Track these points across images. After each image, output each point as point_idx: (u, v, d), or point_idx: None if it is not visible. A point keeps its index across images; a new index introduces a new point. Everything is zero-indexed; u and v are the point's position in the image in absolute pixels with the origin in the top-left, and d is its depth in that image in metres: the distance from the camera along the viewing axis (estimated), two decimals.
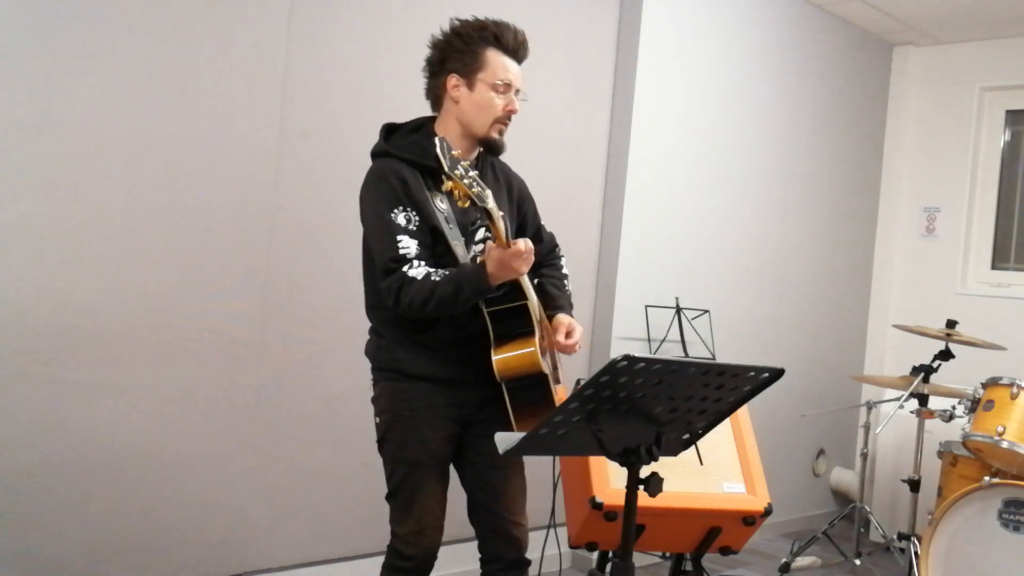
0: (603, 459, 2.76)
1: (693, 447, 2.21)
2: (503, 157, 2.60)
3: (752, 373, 1.99)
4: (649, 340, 4.34)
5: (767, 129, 5.04)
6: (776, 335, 5.17)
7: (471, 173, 2.11)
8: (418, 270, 2.28)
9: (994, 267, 5.56)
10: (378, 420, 2.47)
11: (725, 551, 3.24)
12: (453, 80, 2.42)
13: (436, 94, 2.47)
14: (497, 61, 2.40)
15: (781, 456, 5.12)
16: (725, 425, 3.10)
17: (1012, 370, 3.98)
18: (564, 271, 2.74)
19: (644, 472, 2.04)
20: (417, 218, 2.34)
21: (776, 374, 2.00)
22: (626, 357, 1.79)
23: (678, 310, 4.36)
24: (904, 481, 4.32)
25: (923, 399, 4.22)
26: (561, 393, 2.48)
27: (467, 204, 2.13)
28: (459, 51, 2.41)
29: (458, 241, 2.36)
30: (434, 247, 2.36)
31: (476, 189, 2.11)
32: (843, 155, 5.53)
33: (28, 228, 2.83)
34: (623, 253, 4.36)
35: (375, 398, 2.49)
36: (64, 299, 2.90)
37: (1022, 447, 3.62)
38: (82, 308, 2.93)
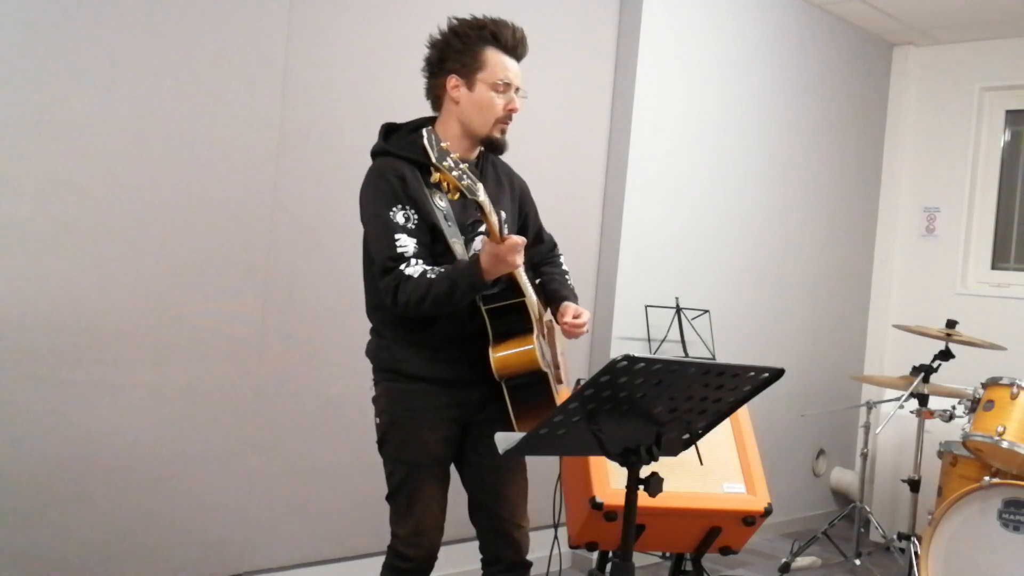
0: (603, 459, 2.76)
1: (693, 447, 2.20)
2: (504, 156, 2.60)
3: (752, 373, 1.99)
4: (649, 340, 4.34)
5: (767, 129, 5.04)
6: (776, 335, 5.17)
7: (461, 165, 2.11)
8: (415, 268, 2.28)
9: (994, 267, 5.55)
10: (378, 420, 2.47)
11: (725, 551, 3.24)
12: (453, 81, 2.41)
13: (436, 94, 2.47)
14: (496, 60, 2.40)
15: (781, 456, 5.12)
16: (725, 425, 3.10)
17: (1012, 370, 3.99)
18: (564, 267, 2.75)
19: (644, 472, 2.04)
20: (416, 216, 2.34)
21: (776, 374, 2.00)
22: (626, 357, 1.79)
23: (678, 310, 4.36)
24: (904, 481, 4.32)
25: (923, 399, 4.22)
26: (564, 394, 2.48)
27: (457, 196, 2.12)
28: (458, 51, 2.40)
29: (457, 239, 2.36)
30: (433, 245, 2.36)
31: (466, 181, 2.10)
32: (843, 155, 5.53)
33: (28, 228, 2.83)
34: (623, 253, 4.36)
35: (375, 398, 2.49)
36: (64, 299, 2.90)
37: (1022, 447, 3.62)
38: (82, 308, 2.93)
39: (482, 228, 2.39)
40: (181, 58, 3.09)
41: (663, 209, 4.52)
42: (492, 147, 2.48)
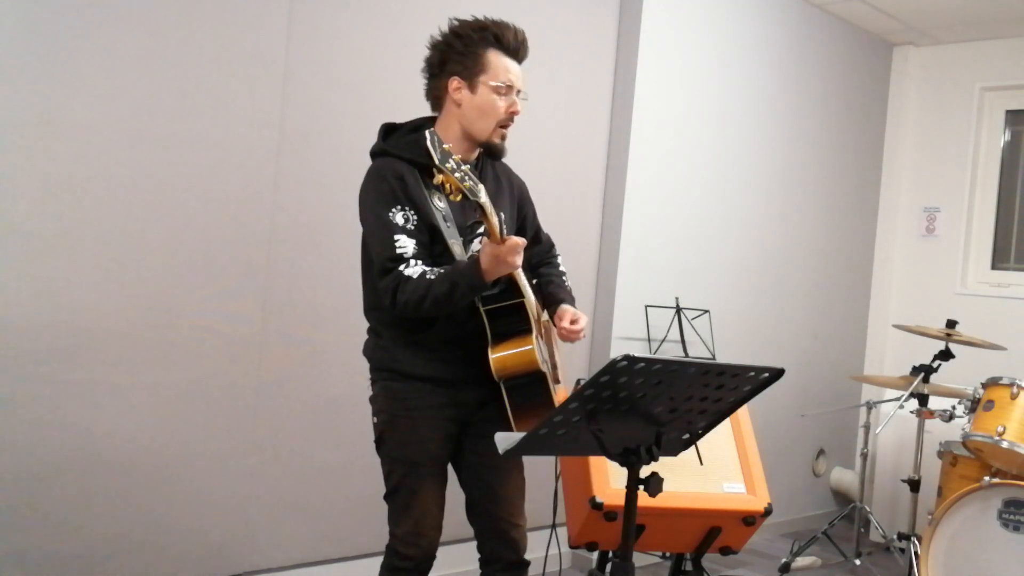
0: (603, 459, 2.76)
1: (693, 447, 2.20)
2: (504, 156, 2.60)
3: (752, 373, 1.99)
4: (649, 340, 4.34)
5: (767, 129, 5.04)
6: (776, 335, 5.17)
7: (463, 167, 2.10)
8: (414, 269, 2.28)
9: (994, 267, 5.55)
10: (376, 420, 2.47)
11: (725, 551, 3.24)
12: (455, 83, 2.41)
13: (436, 96, 2.46)
14: (498, 62, 2.39)
15: (781, 456, 5.12)
16: (725, 425, 3.10)
17: (1012, 370, 3.98)
18: (562, 268, 2.75)
19: (644, 472, 2.04)
20: (415, 217, 2.33)
21: (776, 374, 2.00)
22: (626, 357, 1.79)
23: (678, 310, 4.36)
24: (904, 481, 4.32)
25: (923, 399, 4.22)
26: (562, 394, 2.48)
27: (459, 198, 2.12)
28: (460, 53, 2.39)
29: (455, 240, 2.36)
30: (432, 246, 2.36)
31: (468, 183, 2.10)
32: (843, 155, 5.53)
33: (28, 228, 2.83)
34: (623, 253, 4.36)
35: (373, 398, 2.49)
36: (64, 299, 2.90)
37: (1022, 447, 3.62)
38: (82, 308, 2.93)
39: (481, 229, 2.39)
40: (181, 58, 3.09)
41: (663, 209, 4.52)
42: (491, 152, 2.48)
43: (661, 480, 2.02)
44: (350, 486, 3.57)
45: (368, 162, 2.47)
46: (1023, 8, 5.00)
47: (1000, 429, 3.66)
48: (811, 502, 5.53)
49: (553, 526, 3.08)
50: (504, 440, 2.00)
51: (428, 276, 2.26)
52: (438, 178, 2.10)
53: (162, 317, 3.09)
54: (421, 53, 2.50)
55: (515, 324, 2.34)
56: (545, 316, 2.61)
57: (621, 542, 2.06)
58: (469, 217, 2.42)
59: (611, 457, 2.02)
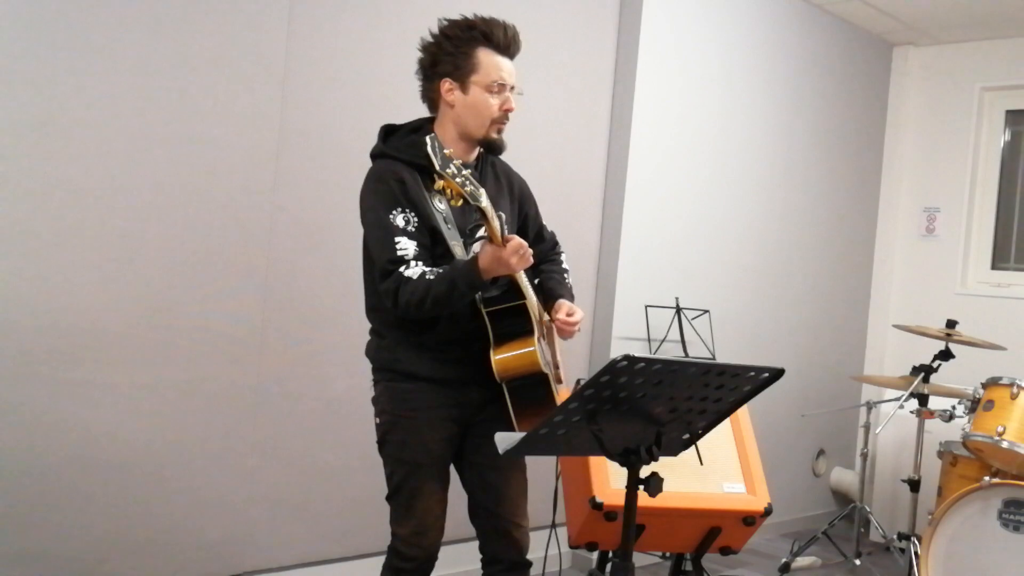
0: (603, 459, 2.76)
1: (693, 447, 2.20)
2: (504, 155, 2.60)
3: (752, 373, 1.99)
4: (649, 340, 4.34)
5: (767, 129, 5.04)
6: (776, 335, 5.17)
7: (464, 171, 2.11)
8: (414, 270, 2.28)
9: (994, 267, 5.56)
10: (378, 421, 2.47)
11: (725, 551, 3.24)
12: (447, 84, 2.40)
13: (431, 98, 2.46)
14: (489, 61, 2.39)
15: (781, 456, 5.12)
16: (725, 425, 3.10)
17: (1012, 370, 3.98)
18: (564, 266, 2.74)
19: (644, 472, 2.04)
20: (416, 219, 2.33)
21: (776, 374, 2.00)
22: (626, 357, 1.79)
23: (678, 310, 4.36)
24: (904, 481, 4.32)
25: (923, 399, 4.23)
26: (564, 394, 2.48)
27: (460, 203, 2.12)
28: (450, 54, 2.39)
29: (456, 242, 2.36)
30: (433, 248, 2.36)
31: (469, 188, 2.10)
32: (843, 155, 5.53)
33: (28, 228, 2.83)
34: (623, 253, 4.36)
35: (375, 399, 2.49)
36: (64, 299, 2.90)
37: (1022, 447, 3.62)
38: (82, 308, 2.93)
39: (482, 231, 2.39)
40: (181, 58, 3.09)
41: (663, 209, 4.52)
42: (490, 148, 2.47)
43: (661, 480, 2.02)
44: (350, 486, 3.57)
45: (368, 163, 2.47)
46: (1023, 8, 5.00)
47: (1000, 429, 3.66)
48: (811, 502, 5.53)
49: (553, 526, 3.08)
50: (504, 440, 2.00)
51: (428, 276, 2.26)
52: (439, 183, 2.10)
53: (162, 317, 3.09)
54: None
55: (517, 325, 2.34)
56: (547, 316, 2.61)
57: (621, 542, 2.06)
58: (470, 219, 2.42)
59: (611, 457, 2.02)
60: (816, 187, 5.37)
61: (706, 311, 4.51)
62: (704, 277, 4.72)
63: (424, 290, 2.25)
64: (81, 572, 2.97)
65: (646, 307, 4.38)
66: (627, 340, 4.36)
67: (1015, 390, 3.72)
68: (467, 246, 2.40)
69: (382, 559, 2.50)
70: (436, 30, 2.42)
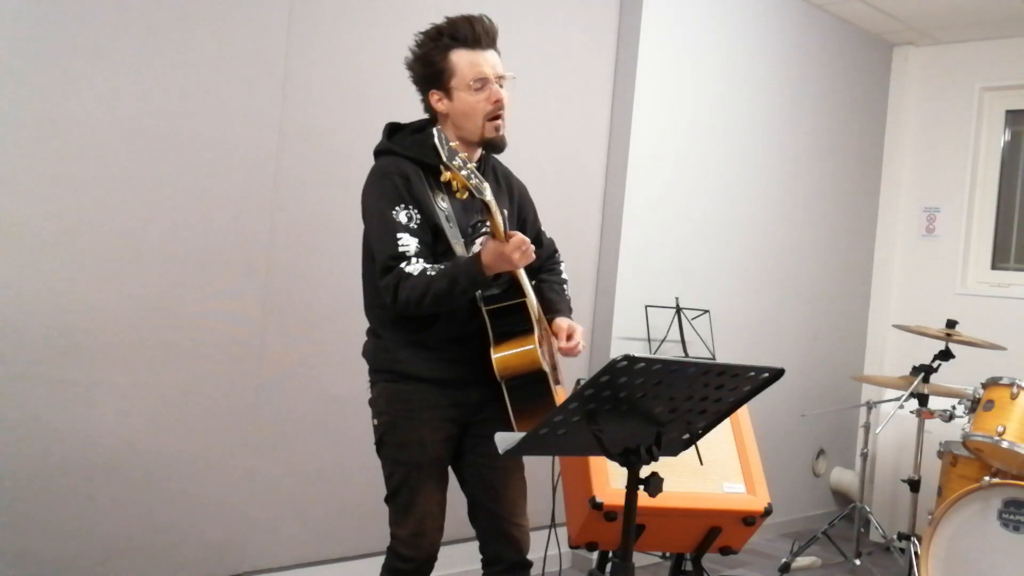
0: (603, 459, 2.76)
1: (693, 447, 2.20)
2: (504, 156, 2.60)
3: (752, 373, 1.99)
4: (649, 340, 4.34)
5: (767, 129, 5.04)
6: (776, 335, 5.17)
7: (469, 165, 2.11)
8: (415, 266, 2.27)
9: (994, 267, 5.56)
10: (376, 422, 2.47)
11: (725, 551, 3.23)
12: (435, 96, 2.41)
13: (429, 110, 2.48)
14: (463, 61, 2.37)
15: (781, 456, 5.12)
16: (725, 425, 3.10)
17: (1012, 370, 3.99)
18: (563, 276, 2.73)
19: (644, 472, 2.03)
20: (419, 216, 2.33)
21: (776, 374, 2.00)
22: (626, 357, 1.79)
23: (678, 310, 4.36)
24: (904, 481, 4.32)
25: (923, 399, 4.23)
26: (561, 394, 2.48)
27: (465, 195, 2.12)
28: (426, 66, 2.40)
29: (458, 240, 2.36)
30: (435, 246, 2.36)
31: (474, 181, 2.10)
32: (843, 155, 5.53)
33: (28, 228, 2.83)
34: (623, 253, 4.36)
35: (373, 400, 2.49)
36: (64, 299, 2.90)
37: (1022, 447, 3.62)
38: (82, 308, 2.93)
39: (484, 230, 2.39)
40: (181, 58, 3.09)
41: (663, 209, 4.52)
42: (491, 147, 2.47)
43: (661, 480, 2.02)
44: (350, 486, 3.57)
45: (370, 161, 2.47)
46: (1023, 8, 5.00)
47: (1000, 429, 3.65)
48: (811, 502, 5.53)
49: (553, 526, 3.08)
50: (504, 440, 2.00)
51: (428, 273, 2.26)
52: (445, 175, 2.10)
53: (162, 317, 3.09)
54: None
55: (517, 324, 2.34)
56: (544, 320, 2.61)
57: (621, 542, 2.06)
58: (472, 217, 2.42)
59: (611, 457, 2.02)
60: (816, 187, 5.37)
61: (706, 311, 4.51)
62: (704, 277, 4.72)
63: (424, 286, 2.24)
64: (81, 572, 2.97)
65: (646, 307, 4.38)
66: (627, 340, 4.36)
67: (1015, 390, 3.72)
68: (468, 245, 2.39)
69: (382, 559, 2.50)
70: (412, 46, 2.43)
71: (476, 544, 2.55)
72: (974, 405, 3.90)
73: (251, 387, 3.33)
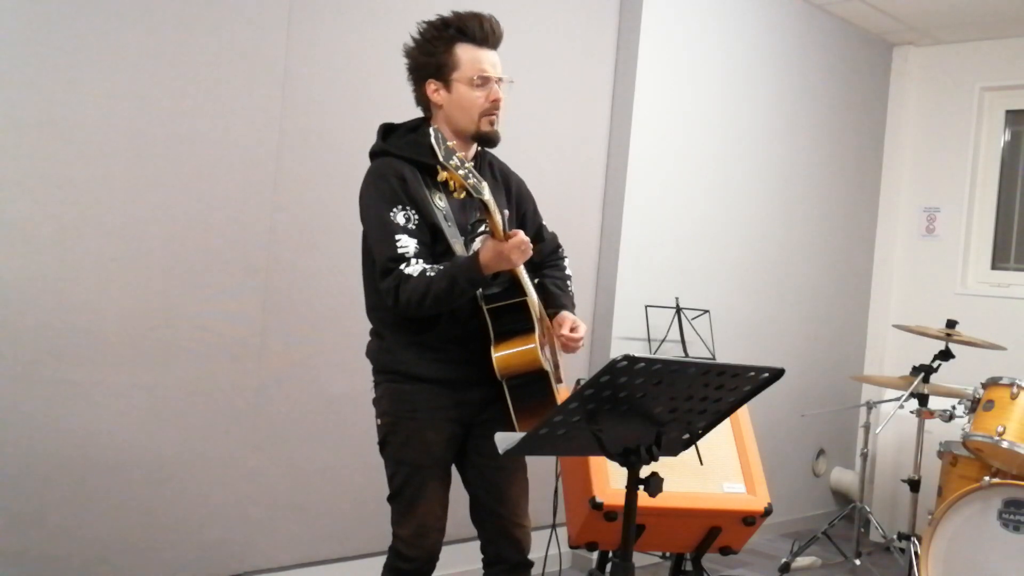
0: (603, 459, 2.76)
1: (693, 447, 2.20)
2: (503, 154, 2.60)
3: (752, 373, 1.99)
4: (649, 340, 4.34)
5: (767, 129, 5.04)
6: (776, 335, 5.17)
7: (467, 164, 2.11)
8: (415, 267, 2.28)
9: (994, 267, 5.55)
10: (380, 422, 2.47)
11: (725, 551, 3.24)
12: (432, 86, 2.41)
13: (422, 101, 2.47)
14: (468, 56, 2.38)
15: (781, 456, 5.12)
16: (725, 425, 3.10)
17: (1012, 370, 3.98)
18: (567, 271, 2.73)
19: (644, 472, 2.04)
20: (416, 217, 2.34)
21: (776, 374, 2.00)
22: (626, 357, 1.79)
23: (678, 310, 4.36)
24: (904, 481, 4.32)
25: (923, 399, 4.22)
26: (563, 394, 2.48)
27: (463, 195, 2.12)
28: (429, 55, 2.39)
29: (457, 240, 2.36)
30: (434, 246, 2.36)
31: (472, 180, 2.10)
32: (843, 155, 5.53)
33: (28, 228, 2.83)
34: (623, 253, 4.36)
35: (376, 400, 2.49)
36: (64, 299, 2.90)
37: (1022, 447, 3.62)
38: (82, 308, 2.93)
39: (482, 228, 2.39)
40: (181, 58, 3.09)
41: (663, 209, 4.52)
42: (484, 141, 2.47)
43: (661, 480, 2.02)
44: (350, 486, 3.57)
45: (368, 161, 2.47)
46: (1023, 8, 5.00)
47: (1000, 429, 3.65)
48: (811, 502, 5.53)
49: (553, 526, 3.08)
50: (504, 440, 2.00)
51: (428, 273, 2.26)
52: (442, 175, 2.10)
53: (162, 317, 3.09)
54: None
55: (518, 322, 2.34)
56: (546, 317, 2.61)
57: (621, 542, 2.06)
58: (470, 216, 2.42)
59: (611, 457, 2.02)
60: (816, 187, 5.37)
61: (706, 311, 4.51)
62: (704, 277, 4.72)
63: (424, 287, 2.25)
64: (80, 572, 2.97)
65: (646, 307, 4.38)
66: (627, 340, 4.36)
67: (1015, 390, 3.72)
68: (467, 244, 2.39)
69: (382, 559, 2.50)
70: (415, 33, 2.43)
71: (477, 544, 2.56)
72: (974, 405, 3.90)
73: (251, 387, 3.33)
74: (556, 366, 2.57)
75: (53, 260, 2.87)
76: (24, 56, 2.79)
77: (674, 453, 2.17)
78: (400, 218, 2.32)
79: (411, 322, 2.37)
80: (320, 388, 3.50)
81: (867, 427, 4.74)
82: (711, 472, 3.15)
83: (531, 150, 3.97)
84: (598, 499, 2.99)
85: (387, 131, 2.48)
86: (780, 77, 5.08)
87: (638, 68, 4.35)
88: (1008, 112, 5.55)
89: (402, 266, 2.28)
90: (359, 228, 2.46)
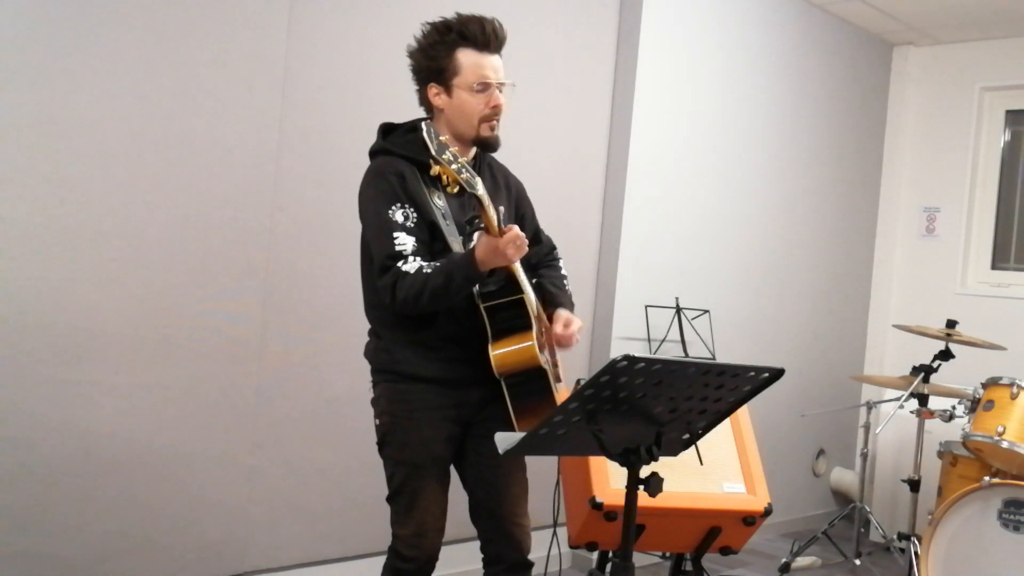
0: (603, 459, 2.76)
1: (693, 447, 2.20)
2: (503, 156, 2.60)
3: (752, 373, 1.99)
4: (649, 340, 4.34)
5: (767, 129, 5.04)
6: (776, 335, 5.17)
7: (460, 160, 2.11)
8: (411, 265, 2.28)
9: (994, 267, 5.55)
10: (378, 422, 2.47)
11: (725, 551, 3.24)
12: (433, 89, 2.41)
13: (424, 103, 2.48)
14: (469, 61, 2.38)
15: (781, 456, 5.12)
16: (725, 425, 3.10)
17: (1012, 370, 3.98)
18: (563, 272, 2.74)
19: (644, 472, 2.04)
20: (415, 215, 2.34)
21: (776, 374, 2.00)
22: (626, 357, 1.79)
23: (678, 310, 4.36)
24: (904, 481, 4.32)
25: (923, 399, 4.22)
26: (563, 393, 2.48)
27: (456, 190, 2.13)
28: (430, 59, 2.39)
29: (455, 238, 2.36)
30: (432, 243, 2.36)
31: (465, 175, 2.11)
32: (843, 155, 5.53)
33: (28, 228, 2.83)
34: (623, 253, 4.36)
35: (375, 400, 2.49)
36: (64, 299, 2.90)
37: (1022, 447, 3.62)
38: (82, 308, 2.93)
39: (481, 226, 2.38)
40: (181, 58, 3.09)
41: (663, 209, 4.52)
42: (484, 146, 2.47)
43: (661, 480, 2.02)
44: (350, 486, 3.57)
45: (367, 161, 2.48)
46: (1023, 8, 5.00)
47: (1000, 429, 3.66)
48: (811, 502, 5.53)
49: (554, 526, 3.08)
50: (504, 440, 2.00)
51: (425, 270, 2.27)
52: (435, 169, 2.11)
53: (162, 317, 3.09)
54: None
55: (515, 320, 2.33)
56: (544, 316, 2.61)
57: (621, 542, 2.06)
58: (468, 214, 2.42)
59: (611, 457, 2.02)
60: (816, 187, 5.37)
61: (706, 311, 4.51)
62: (704, 277, 4.72)
63: (421, 284, 2.25)
64: (81, 572, 2.97)
65: (646, 307, 4.38)
66: (627, 340, 4.36)
67: (1015, 390, 3.72)
68: (465, 242, 2.40)
69: (382, 559, 2.50)
70: (418, 35, 2.42)
71: (476, 544, 2.56)
72: (974, 405, 3.90)
73: (251, 387, 3.33)
74: (555, 365, 2.58)
75: (53, 260, 2.87)
76: (24, 56, 2.79)
77: (674, 453, 2.17)
78: (399, 216, 2.32)
79: (409, 321, 2.37)
80: (320, 388, 3.50)
81: (867, 427, 4.74)
82: (711, 472, 3.15)
83: (531, 150, 3.97)
84: (598, 499, 2.99)
85: (387, 130, 2.49)
86: (780, 77, 5.08)
87: (638, 68, 4.35)
88: (1008, 112, 5.55)
89: (399, 263, 2.28)
90: (359, 228, 2.46)
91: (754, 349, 4.99)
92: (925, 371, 4.19)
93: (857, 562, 4.57)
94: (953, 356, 4.21)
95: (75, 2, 2.87)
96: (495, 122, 2.42)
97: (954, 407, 4.11)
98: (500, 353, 2.31)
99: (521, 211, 2.65)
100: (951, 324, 4.27)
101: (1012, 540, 3.50)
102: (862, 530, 4.67)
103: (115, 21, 2.95)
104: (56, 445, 2.90)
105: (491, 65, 2.40)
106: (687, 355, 4.39)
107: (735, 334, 4.84)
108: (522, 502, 2.54)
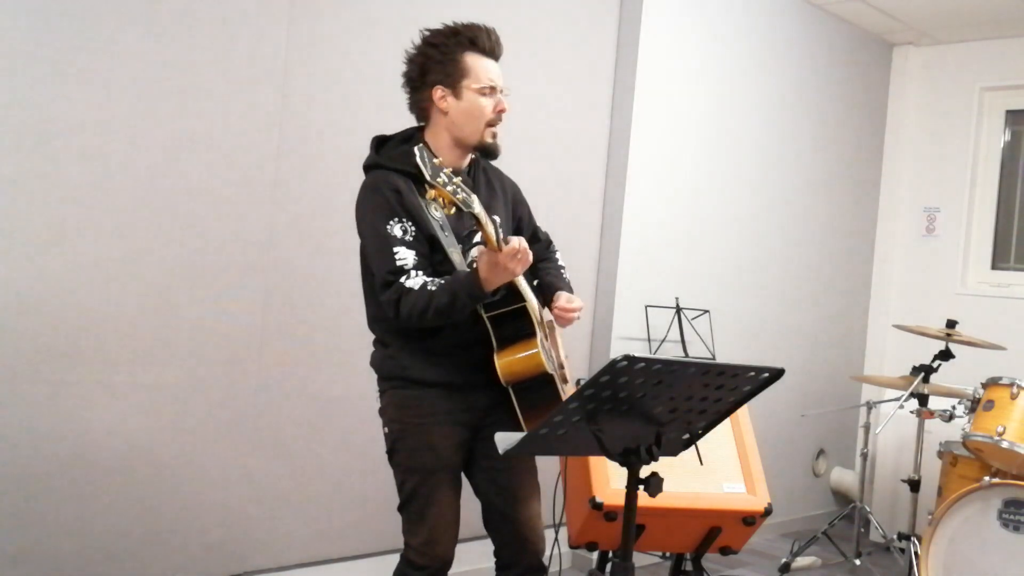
0: (603, 459, 2.76)
1: (693, 447, 2.20)
2: (504, 156, 2.59)
3: (752, 373, 1.99)
4: (649, 340, 4.34)
5: (767, 129, 5.04)
6: (776, 335, 5.17)
7: (455, 179, 2.10)
8: (415, 280, 2.27)
9: (994, 267, 5.55)
10: (387, 430, 2.45)
11: (725, 551, 3.24)
12: (439, 92, 2.40)
13: (421, 107, 2.45)
14: (478, 65, 2.39)
15: (781, 456, 5.12)
16: (725, 425, 3.10)
17: (1012, 370, 3.98)
18: (560, 263, 2.74)
19: (644, 472, 2.04)
20: (413, 228, 2.33)
21: (776, 374, 2.00)
22: (626, 357, 1.79)
23: (678, 310, 4.36)
24: (904, 481, 4.32)
25: (923, 399, 4.22)
26: (570, 392, 2.47)
27: (453, 211, 2.12)
28: (439, 62, 2.39)
29: (454, 248, 2.35)
30: (431, 255, 2.35)
31: (461, 195, 2.10)
32: (843, 155, 5.53)
33: (28, 228, 2.83)
34: (623, 253, 4.36)
35: (383, 409, 2.47)
36: (64, 299, 2.90)
37: (1022, 447, 3.62)
38: (82, 308, 2.93)
39: (478, 238, 2.39)
40: (181, 59, 3.09)
41: (663, 209, 4.52)
42: (486, 153, 2.47)
43: (661, 480, 2.02)
44: (350, 486, 3.57)
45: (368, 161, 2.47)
46: (1023, 8, 5.00)
47: (1000, 429, 3.65)
48: (811, 502, 5.53)
49: (556, 526, 3.07)
50: (503, 440, 2.00)
51: (429, 287, 2.26)
52: (431, 193, 2.10)
53: (162, 317, 3.09)
54: None
55: (519, 328, 2.34)
56: (548, 316, 2.61)
57: (621, 542, 2.06)
58: (466, 225, 2.41)
59: (611, 457, 2.02)
60: (816, 187, 5.37)
61: (706, 311, 4.51)
62: (704, 277, 4.72)
63: (426, 301, 2.24)
64: (81, 572, 2.97)
65: (646, 307, 4.38)
66: (627, 340, 4.36)
67: (1015, 390, 3.72)
68: (465, 252, 2.39)
69: (382, 559, 2.51)
70: (419, 40, 2.42)
71: (484, 542, 2.55)
72: (974, 405, 3.90)
73: (251, 387, 3.33)
74: (561, 366, 2.58)
75: (53, 260, 2.87)
76: (24, 57, 2.79)
77: (674, 453, 2.17)
78: (397, 230, 2.31)
79: (415, 329, 2.36)
80: (320, 388, 3.50)
81: (867, 427, 4.74)
82: (711, 472, 3.15)
83: (532, 151, 3.97)
84: (598, 499, 2.99)
85: (380, 143, 2.47)
86: (780, 77, 5.08)
87: (638, 68, 4.35)
88: (1008, 112, 5.55)
89: (402, 279, 2.27)
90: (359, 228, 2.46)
91: (754, 349, 5.00)
92: (925, 371, 4.19)
93: (857, 562, 4.57)
94: (953, 356, 4.21)
95: (75, 2, 2.87)
96: (497, 129, 2.43)
97: (954, 407, 4.10)
98: (506, 362, 2.32)
99: (518, 212, 2.65)
100: (951, 324, 4.27)
101: (1012, 540, 3.50)
102: (862, 530, 4.67)
103: (115, 21, 2.95)
104: (56, 445, 2.90)
105: (496, 71, 2.43)
106: (687, 355, 4.39)
107: (735, 334, 4.84)
108: (535, 505, 2.52)
